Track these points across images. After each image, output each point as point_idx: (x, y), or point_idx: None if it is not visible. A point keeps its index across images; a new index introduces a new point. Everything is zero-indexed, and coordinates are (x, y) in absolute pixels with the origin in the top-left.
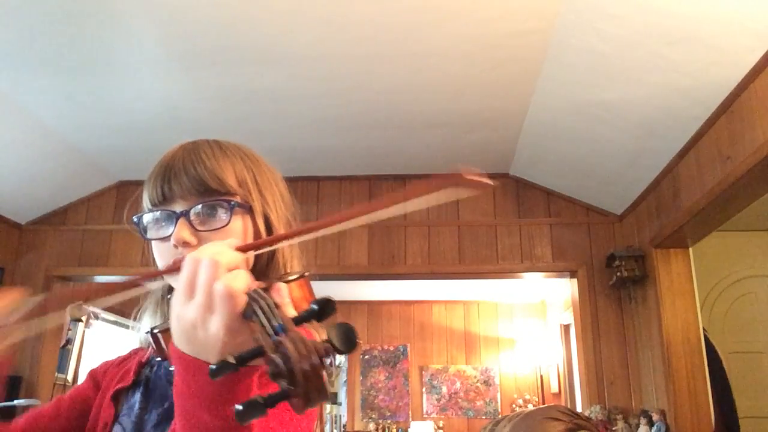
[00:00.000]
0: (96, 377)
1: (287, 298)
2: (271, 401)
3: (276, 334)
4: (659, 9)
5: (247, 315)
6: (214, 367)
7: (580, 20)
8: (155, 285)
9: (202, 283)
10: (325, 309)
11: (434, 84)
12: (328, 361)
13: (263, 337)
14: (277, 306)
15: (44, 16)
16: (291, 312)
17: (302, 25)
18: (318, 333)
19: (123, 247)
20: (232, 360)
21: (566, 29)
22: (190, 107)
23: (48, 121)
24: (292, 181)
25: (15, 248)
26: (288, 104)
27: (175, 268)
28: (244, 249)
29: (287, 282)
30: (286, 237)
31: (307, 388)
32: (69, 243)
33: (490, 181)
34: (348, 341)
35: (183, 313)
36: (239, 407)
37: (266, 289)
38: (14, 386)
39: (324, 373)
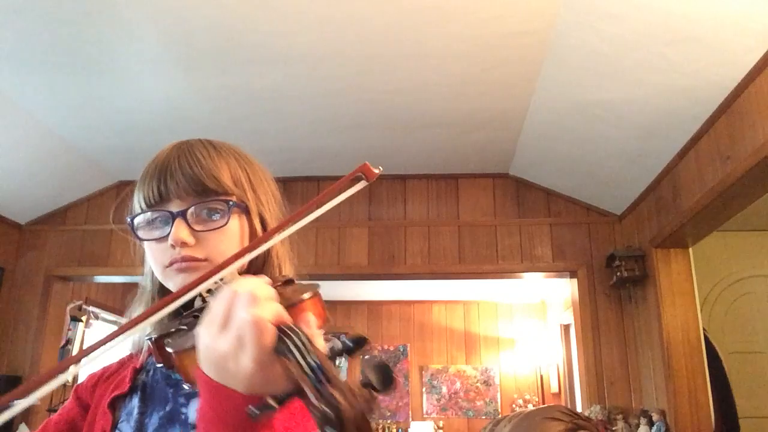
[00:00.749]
0: (82, 396)
1: (315, 329)
2: None
3: (313, 372)
4: (659, 9)
5: (280, 351)
6: (256, 411)
7: (580, 20)
8: (147, 286)
9: (238, 317)
10: (358, 345)
11: (434, 84)
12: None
13: (300, 376)
14: (310, 341)
15: (44, 16)
16: (321, 343)
17: (302, 25)
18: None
19: (123, 247)
20: (273, 403)
21: (566, 29)
22: (190, 107)
23: (48, 121)
24: (292, 181)
25: (15, 248)
26: (288, 104)
27: (188, 289)
28: (239, 255)
29: (301, 301)
30: (270, 236)
31: None
32: (69, 243)
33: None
34: (386, 381)
35: (215, 344)
36: None
37: (291, 304)
38: (14, 386)
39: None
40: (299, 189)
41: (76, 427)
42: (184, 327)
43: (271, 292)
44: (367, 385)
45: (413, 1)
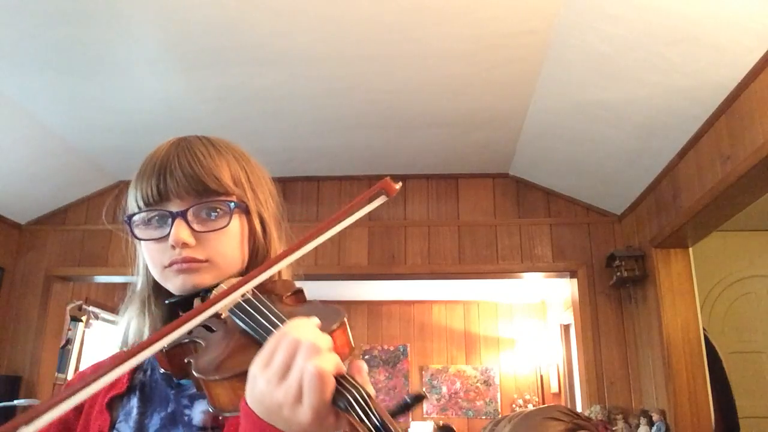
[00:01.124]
0: None
1: (366, 375)
2: None
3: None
4: (659, 9)
5: (342, 406)
6: None
7: (580, 20)
8: (140, 284)
9: (299, 368)
10: (417, 401)
11: (434, 84)
12: None
13: None
14: (370, 397)
15: (44, 16)
16: (371, 390)
17: (302, 25)
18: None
19: (123, 247)
20: None
21: (566, 29)
22: (189, 107)
23: (48, 121)
24: (292, 181)
25: (15, 248)
26: (288, 104)
27: (208, 306)
28: (265, 268)
29: (332, 331)
30: (281, 258)
31: None
32: (69, 243)
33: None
34: None
35: (272, 391)
36: None
37: (339, 341)
38: (14, 386)
39: None
40: (299, 189)
41: (69, 428)
42: (199, 341)
43: (330, 341)
44: None
45: (413, 1)
